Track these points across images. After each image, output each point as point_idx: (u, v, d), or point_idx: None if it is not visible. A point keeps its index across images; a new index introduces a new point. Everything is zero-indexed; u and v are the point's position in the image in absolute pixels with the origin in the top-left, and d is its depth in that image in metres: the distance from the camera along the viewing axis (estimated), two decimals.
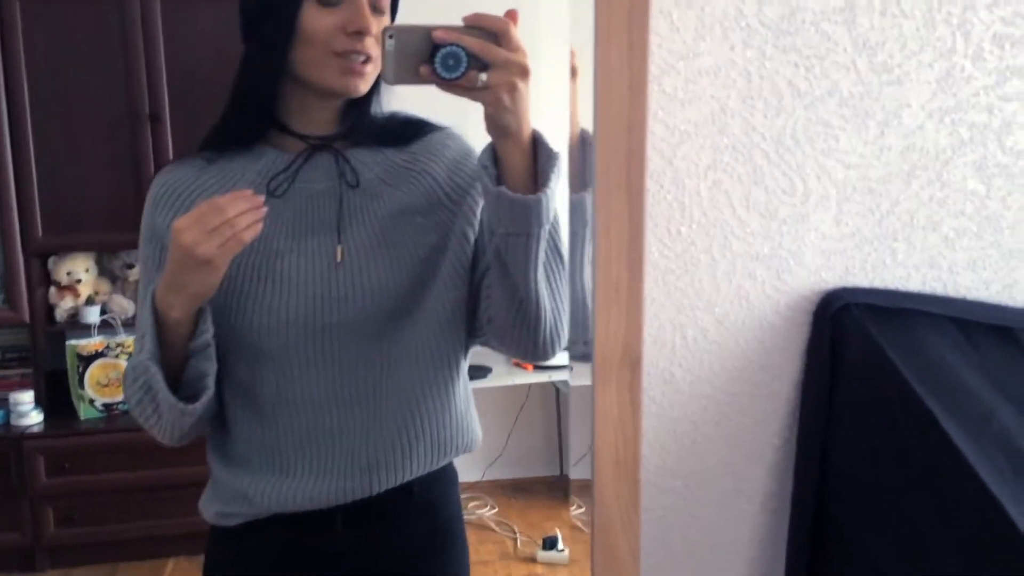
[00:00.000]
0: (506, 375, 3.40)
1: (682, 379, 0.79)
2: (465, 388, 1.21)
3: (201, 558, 1.22)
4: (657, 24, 0.71)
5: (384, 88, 1.15)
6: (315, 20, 1.03)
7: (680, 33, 0.72)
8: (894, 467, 0.75)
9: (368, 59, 1.05)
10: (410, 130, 1.17)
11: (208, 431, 1.18)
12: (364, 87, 1.07)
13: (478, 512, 3.51)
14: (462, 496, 1.28)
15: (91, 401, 3.18)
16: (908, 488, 0.74)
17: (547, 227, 0.98)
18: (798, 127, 0.75)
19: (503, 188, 0.95)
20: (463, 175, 1.14)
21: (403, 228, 1.11)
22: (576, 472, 3.52)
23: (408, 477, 1.13)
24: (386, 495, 1.13)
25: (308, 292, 1.07)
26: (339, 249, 1.08)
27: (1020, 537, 0.63)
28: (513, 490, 3.75)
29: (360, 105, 1.13)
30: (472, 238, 1.13)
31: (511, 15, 0.90)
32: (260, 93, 1.09)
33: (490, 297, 1.10)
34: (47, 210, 3.12)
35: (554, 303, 1.06)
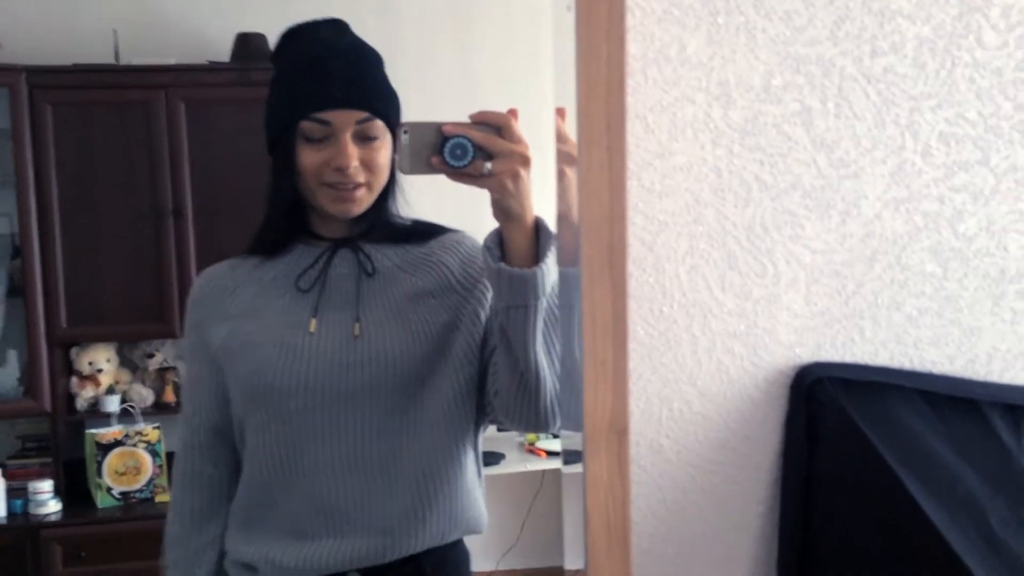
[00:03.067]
0: (519, 461, 3.41)
1: (669, 449, 0.85)
2: (474, 468, 1.27)
3: None
4: (634, 127, 0.79)
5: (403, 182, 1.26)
6: (306, 157, 1.16)
7: (655, 134, 0.80)
8: (869, 533, 0.79)
9: (357, 186, 1.16)
10: (427, 230, 1.28)
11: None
12: (357, 209, 1.20)
13: None
14: None
15: (108, 489, 3.22)
16: (882, 553, 0.78)
17: (544, 300, 1.06)
18: (766, 216, 0.82)
19: (502, 264, 1.03)
20: (475, 267, 1.24)
21: (417, 308, 1.20)
22: (571, 562, 3.49)
23: (420, 547, 1.18)
24: (399, 568, 1.18)
25: (327, 359, 1.16)
26: (356, 326, 1.17)
27: None
28: None
29: (376, 209, 1.23)
30: (483, 319, 1.22)
31: (512, 112, 1.01)
32: (283, 210, 1.21)
33: (496, 372, 1.18)
34: (72, 302, 3.22)
35: (554, 374, 1.13)
